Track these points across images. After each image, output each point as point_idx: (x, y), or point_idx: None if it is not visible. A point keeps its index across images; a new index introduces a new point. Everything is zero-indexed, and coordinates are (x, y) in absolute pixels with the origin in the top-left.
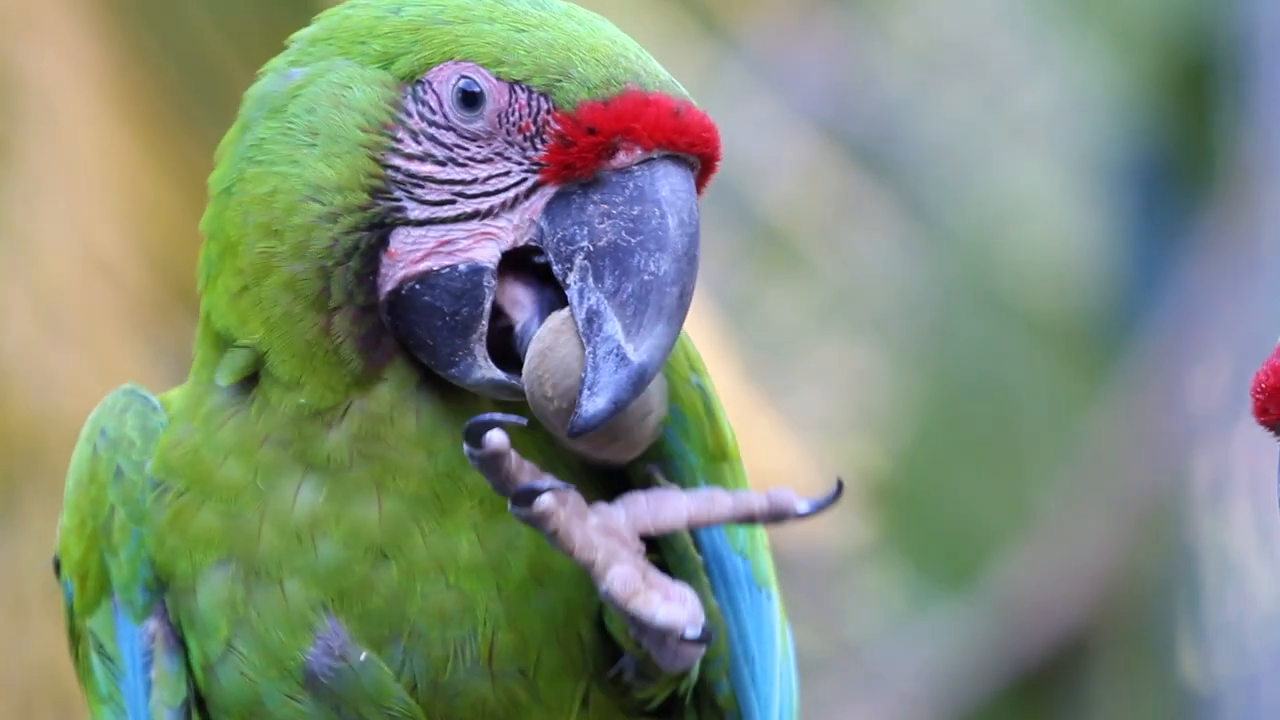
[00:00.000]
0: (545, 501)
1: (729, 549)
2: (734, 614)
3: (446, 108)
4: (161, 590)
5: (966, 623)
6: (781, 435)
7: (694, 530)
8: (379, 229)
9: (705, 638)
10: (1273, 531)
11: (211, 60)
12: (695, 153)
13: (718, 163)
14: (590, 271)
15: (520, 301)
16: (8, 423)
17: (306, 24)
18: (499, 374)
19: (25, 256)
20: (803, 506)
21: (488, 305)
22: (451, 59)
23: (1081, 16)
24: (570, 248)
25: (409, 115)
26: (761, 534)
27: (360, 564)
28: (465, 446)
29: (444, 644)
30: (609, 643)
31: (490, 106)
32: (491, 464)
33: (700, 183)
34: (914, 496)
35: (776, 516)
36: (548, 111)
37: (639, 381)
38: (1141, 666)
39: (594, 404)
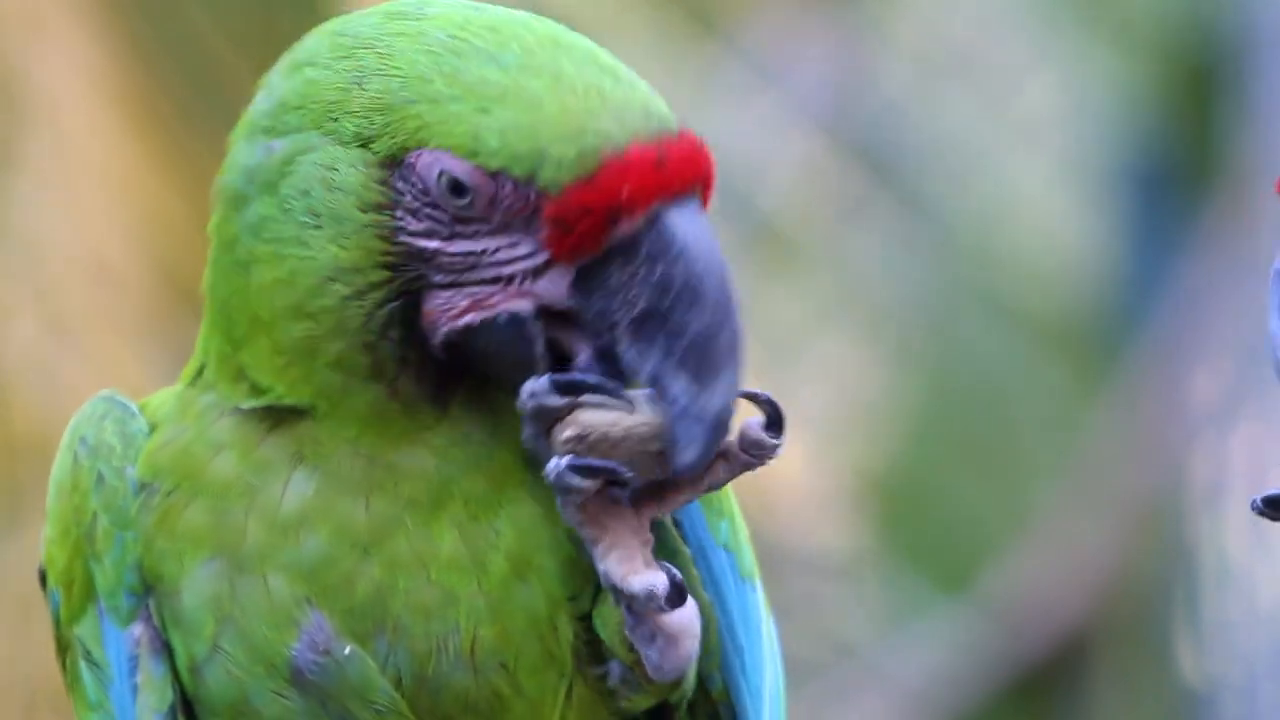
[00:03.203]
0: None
1: (713, 543)
2: (721, 607)
3: (435, 193)
4: (147, 594)
5: (965, 623)
6: None
7: (679, 525)
8: (408, 295)
9: (679, 597)
10: (1270, 532)
11: (213, 62)
12: (690, 189)
13: (714, 180)
14: (637, 340)
15: (579, 336)
16: (12, 427)
17: (306, 26)
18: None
19: (29, 260)
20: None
21: (540, 347)
22: (425, 146)
23: (1082, 18)
24: (608, 320)
25: (401, 194)
26: (742, 528)
27: (344, 559)
28: (550, 397)
29: (427, 638)
30: (595, 641)
31: (478, 193)
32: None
33: (703, 200)
34: (912, 496)
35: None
36: (537, 197)
37: (718, 431)
38: (1140, 666)
39: (685, 458)
